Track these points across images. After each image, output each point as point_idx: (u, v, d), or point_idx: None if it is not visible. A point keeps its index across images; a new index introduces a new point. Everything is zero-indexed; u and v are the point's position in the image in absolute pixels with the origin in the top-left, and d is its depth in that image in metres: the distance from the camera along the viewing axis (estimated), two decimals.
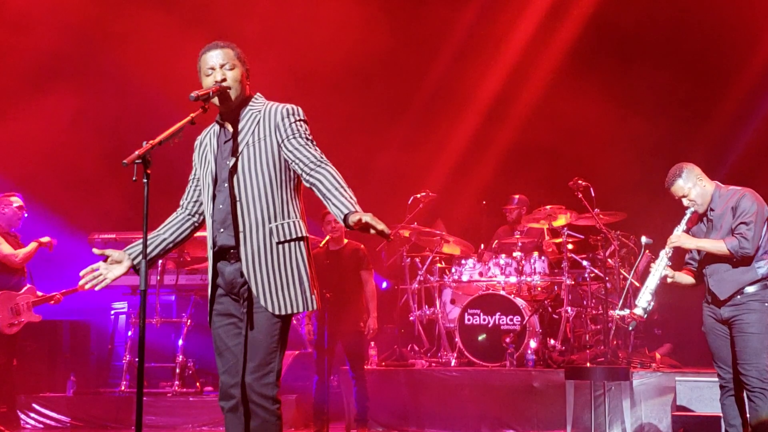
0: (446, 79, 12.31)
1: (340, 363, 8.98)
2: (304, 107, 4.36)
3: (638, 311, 6.09)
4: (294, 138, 4.21)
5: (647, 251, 9.91)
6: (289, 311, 4.16)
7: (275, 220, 4.18)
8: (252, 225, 4.16)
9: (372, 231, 3.83)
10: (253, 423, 4.13)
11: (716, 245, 6.00)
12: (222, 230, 4.23)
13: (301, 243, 4.24)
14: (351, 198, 3.95)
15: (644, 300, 6.11)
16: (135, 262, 4.36)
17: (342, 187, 4.02)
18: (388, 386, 9.20)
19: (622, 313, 6.16)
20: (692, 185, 6.13)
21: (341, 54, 11.52)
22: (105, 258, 4.34)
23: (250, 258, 4.15)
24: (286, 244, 4.18)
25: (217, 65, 4.26)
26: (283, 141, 4.21)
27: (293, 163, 4.18)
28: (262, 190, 4.18)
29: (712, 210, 6.13)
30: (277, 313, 4.14)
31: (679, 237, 6.11)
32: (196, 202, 4.50)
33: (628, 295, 6.35)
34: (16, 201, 8.83)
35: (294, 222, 4.22)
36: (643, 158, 11.00)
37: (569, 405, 8.29)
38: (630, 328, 6.24)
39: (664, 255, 6.16)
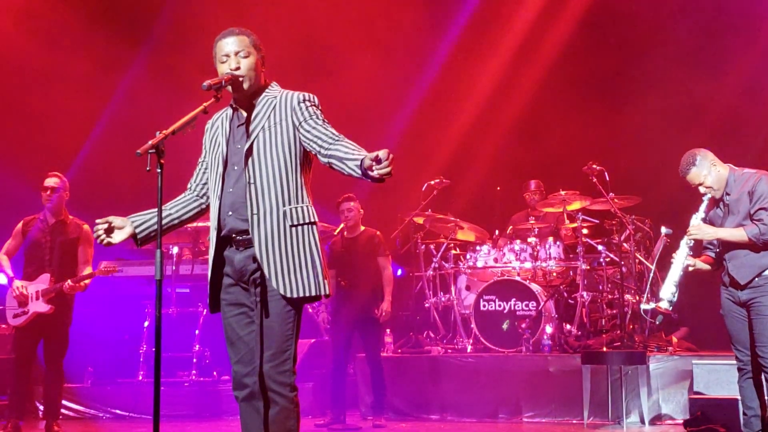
0: (454, 65, 12.26)
1: (357, 351, 9.00)
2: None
3: (664, 304, 6.02)
4: (311, 119, 4.20)
5: (663, 235, 9.92)
6: (302, 294, 4.14)
7: (289, 204, 4.17)
8: (266, 208, 4.14)
9: (379, 170, 3.78)
10: (271, 411, 4.13)
11: (736, 234, 5.94)
12: (231, 213, 4.20)
13: (314, 227, 4.23)
14: (366, 154, 3.90)
15: (669, 292, 6.04)
16: (137, 230, 4.32)
17: (358, 149, 4.00)
18: (404, 373, 9.22)
19: (648, 307, 6.09)
20: (707, 172, 6.07)
21: (347, 40, 11.52)
22: (108, 225, 4.28)
23: (264, 240, 4.13)
24: (300, 228, 4.17)
25: (232, 53, 4.23)
26: (300, 123, 4.20)
27: (311, 142, 4.16)
28: (277, 173, 4.17)
29: (728, 194, 6.08)
30: (289, 295, 4.12)
31: (699, 228, 6.04)
32: (204, 184, 4.48)
33: (651, 286, 6.27)
34: (47, 181, 8.19)
35: (307, 206, 4.22)
36: (656, 140, 10.96)
37: (586, 390, 8.28)
38: (657, 323, 6.18)
39: (685, 245, 6.09)
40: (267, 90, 4.32)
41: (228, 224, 4.22)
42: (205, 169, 4.47)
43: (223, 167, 4.26)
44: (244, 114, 4.30)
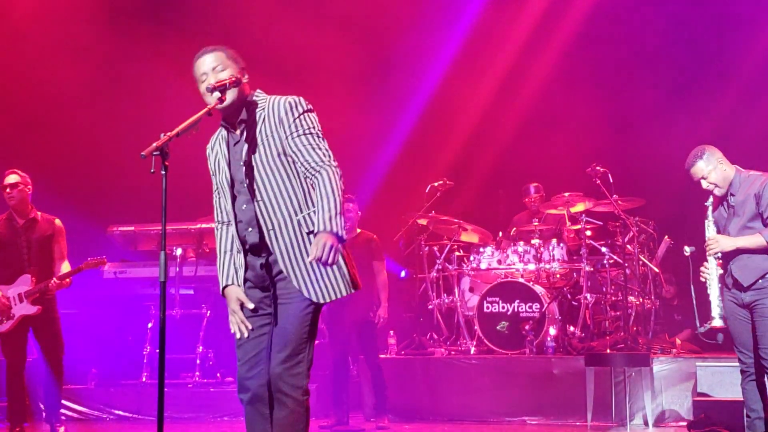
0: (458, 67, 12.25)
1: (357, 353, 8.99)
2: (312, 101, 4.33)
3: (717, 322, 5.93)
4: (298, 137, 4.18)
5: (666, 237, 9.93)
6: (334, 297, 4.18)
7: (301, 211, 4.17)
8: (280, 221, 4.15)
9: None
10: (280, 413, 4.11)
11: (755, 240, 5.89)
12: (250, 229, 4.21)
13: None
14: (330, 211, 4.02)
15: (717, 308, 5.97)
16: (240, 285, 4.28)
17: (328, 196, 4.05)
18: (407, 375, 9.22)
19: (704, 329, 6.03)
20: (713, 168, 6.05)
21: (353, 43, 11.53)
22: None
23: (285, 253, 4.14)
24: None
25: (209, 70, 4.23)
26: (287, 137, 4.19)
27: (297, 164, 4.19)
28: (281, 184, 4.17)
29: (732, 195, 6.08)
30: (322, 301, 4.15)
31: (717, 241, 5.99)
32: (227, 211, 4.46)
33: (699, 308, 6.18)
34: (7, 179, 7.93)
35: None
36: (660, 141, 10.95)
37: (589, 392, 8.28)
38: (719, 342, 6.10)
39: (713, 258, 6.03)
40: (253, 99, 4.32)
41: (249, 239, 4.23)
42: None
43: (230, 188, 4.26)
44: (237, 131, 4.30)
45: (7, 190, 7.87)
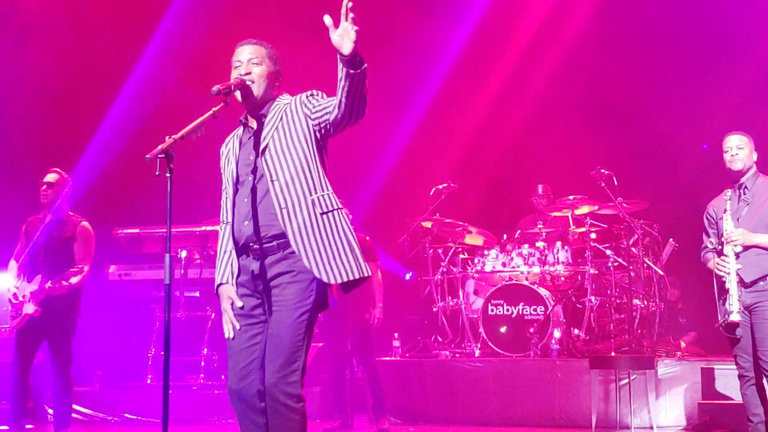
0: (461, 69, 12.25)
1: (355, 354, 8.98)
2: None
3: (735, 317, 5.93)
4: (318, 103, 4.25)
5: (671, 240, 9.92)
6: (345, 278, 4.14)
7: (315, 192, 4.18)
8: (294, 200, 4.14)
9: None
10: (276, 422, 4.08)
11: None
12: (246, 222, 4.20)
13: (343, 212, 4.24)
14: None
15: (736, 304, 5.97)
16: (233, 283, 4.29)
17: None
18: (411, 377, 9.22)
19: (723, 323, 6.00)
20: (747, 149, 6.22)
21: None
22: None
23: (298, 232, 4.12)
24: (330, 214, 4.18)
25: (245, 60, 4.30)
26: (311, 112, 4.23)
27: (323, 112, 4.19)
28: (299, 166, 4.18)
29: (746, 189, 6.11)
30: (333, 281, 4.12)
31: (742, 234, 6.00)
32: None
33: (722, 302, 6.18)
34: (46, 177, 7.90)
35: (331, 194, 4.24)
36: (664, 144, 10.95)
37: (594, 394, 8.28)
38: (739, 336, 6.06)
39: (732, 252, 6.03)
40: (278, 99, 4.37)
41: (244, 233, 4.22)
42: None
43: (235, 181, 4.28)
44: (255, 125, 4.33)
45: (43, 187, 7.84)
